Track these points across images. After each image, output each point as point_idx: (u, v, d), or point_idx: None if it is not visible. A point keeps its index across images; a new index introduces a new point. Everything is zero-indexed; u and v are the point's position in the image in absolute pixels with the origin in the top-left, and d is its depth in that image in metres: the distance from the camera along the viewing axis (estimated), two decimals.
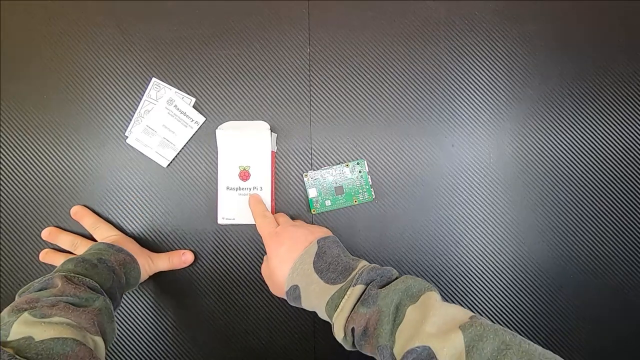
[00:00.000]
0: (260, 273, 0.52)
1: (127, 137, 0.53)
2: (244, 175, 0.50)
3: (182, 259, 0.51)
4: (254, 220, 0.48)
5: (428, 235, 0.52)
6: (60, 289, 0.37)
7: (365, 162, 0.52)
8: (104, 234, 0.50)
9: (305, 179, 0.51)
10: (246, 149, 0.50)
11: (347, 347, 0.38)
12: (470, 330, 0.30)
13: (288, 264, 0.41)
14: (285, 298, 0.42)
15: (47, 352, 0.31)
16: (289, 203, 0.53)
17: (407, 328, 0.32)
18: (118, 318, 0.53)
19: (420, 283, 0.36)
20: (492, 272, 0.53)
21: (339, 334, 0.37)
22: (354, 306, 0.36)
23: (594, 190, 0.52)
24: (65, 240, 0.51)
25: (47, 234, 0.51)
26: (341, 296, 0.37)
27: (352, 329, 0.35)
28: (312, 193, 0.52)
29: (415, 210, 0.52)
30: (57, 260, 0.51)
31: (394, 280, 0.38)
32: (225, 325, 0.53)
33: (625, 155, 0.52)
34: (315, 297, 0.39)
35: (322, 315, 0.39)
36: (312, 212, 0.52)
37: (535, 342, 0.53)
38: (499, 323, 0.52)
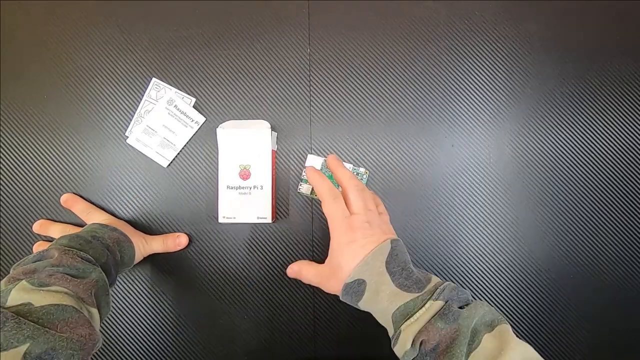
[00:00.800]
0: (286, 273, 0.52)
1: (127, 137, 0.53)
2: (245, 174, 0.50)
3: (176, 241, 0.51)
4: (321, 198, 0.41)
5: (428, 235, 0.52)
6: (58, 259, 0.37)
7: (367, 174, 0.52)
8: (96, 219, 0.50)
9: (305, 173, 0.52)
10: (247, 148, 0.50)
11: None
12: None
13: (357, 259, 0.38)
14: (340, 291, 0.39)
15: (48, 317, 0.31)
16: (289, 202, 0.53)
17: (483, 356, 0.31)
18: (118, 319, 0.53)
19: (493, 312, 0.35)
20: (492, 272, 0.53)
21: (405, 344, 0.34)
22: (430, 319, 0.34)
23: (594, 190, 0.52)
24: (56, 230, 0.51)
25: (38, 227, 0.51)
26: (417, 306, 0.35)
27: (421, 342, 0.33)
28: (305, 189, 0.52)
29: (415, 210, 0.52)
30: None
31: (469, 304, 0.36)
32: (225, 325, 0.53)
33: (625, 155, 0.52)
34: (385, 299, 0.36)
35: (383, 319, 0.37)
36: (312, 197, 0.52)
37: (535, 342, 0.53)
38: None
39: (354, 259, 0.37)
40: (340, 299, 0.40)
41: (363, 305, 0.38)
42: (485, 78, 0.53)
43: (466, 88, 0.53)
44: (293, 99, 0.53)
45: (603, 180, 0.52)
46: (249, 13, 0.53)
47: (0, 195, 0.53)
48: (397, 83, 0.53)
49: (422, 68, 0.53)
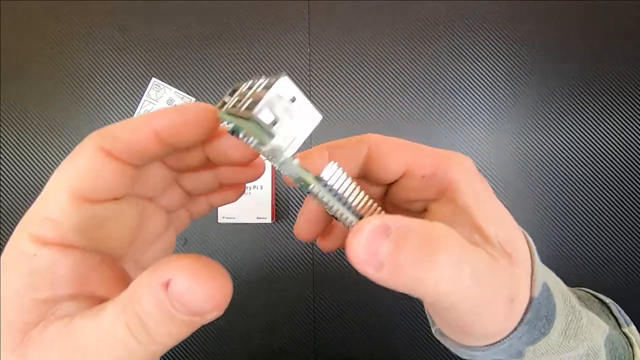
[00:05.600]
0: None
1: None
2: None
3: None
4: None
5: None
6: None
7: None
8: None
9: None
10: None
11: None
12: None
13: (521, 234, 0.18)
14: (522, 316, 0.16)
15: None
16: (289, 202, 0.53)
17: None
18: None
19: None
20: None
21: None
22: None
23: (594, 190, 0.52)
24: None
25: None
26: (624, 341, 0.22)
27: None
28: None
29: None
30: None
31: None
32: (225, 325, 0.53)
33: (625, 155, 0.52)
34: (592, 326, 0.19)
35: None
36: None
37: None
38: None
39: (520, 234, 0.17)
40: (496, 349, 0.17)
41: (543, 348, 0.17)
42: (485, 78, 0.53)
43: (466, 88, 0.53)
44: None
45: (603, 180, 0.52)
46: (249, 13, 0.53)
47: (0, 195, 0.53)
48: (397, 83, 0.53)
49: (422, 68, 0.53)
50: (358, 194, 0.14)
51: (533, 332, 0.17)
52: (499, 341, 0.16)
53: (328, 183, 0.14)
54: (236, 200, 0.20)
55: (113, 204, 0.14)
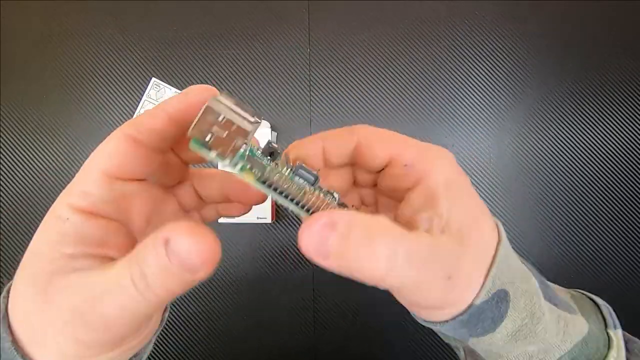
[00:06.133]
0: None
1: None
2: None
3: None
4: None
5: None
6: None
7: None
8: None
9: None
10: None
11: None
12: None
13: (491, 248, 0.18)
14: (455, 319, 0.18)
15: None
16: None
17: None
18: None
19: None
20: None
21: None
22: None
23: (594, 190, 0.52)
24: None
25: None
26: (602, 342, 0.21)
27: None
28: None
29: None
30: None
31: None
32: (225, 325, 0.53)
33: (626, 155, 0.52)
34: (552, 328, 0.19)
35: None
36: None
37: None
38: None
39: (489, 249, 0.17)
40: (440, 329, 0.19)
41: (487, 342, 0.18)
42: (486, 78, 0.53)
43: (466, 88, 0.53)
44: (293, 99, 0.53)
45: (603, 180, 0.52)
46: (249, 13, 0.53)
47: (0, 195, 0.53)
48: (397, 83, 0.53)
49: (422, 68, 0.53)
50: (306, 192, 0.17)
51: (474, 330, 0.18)
52: (446, 321, 0.18)
53: (274, 184, 0.16)
54: (239, 216, 0.21)
55: (136, 184, 0.17)
